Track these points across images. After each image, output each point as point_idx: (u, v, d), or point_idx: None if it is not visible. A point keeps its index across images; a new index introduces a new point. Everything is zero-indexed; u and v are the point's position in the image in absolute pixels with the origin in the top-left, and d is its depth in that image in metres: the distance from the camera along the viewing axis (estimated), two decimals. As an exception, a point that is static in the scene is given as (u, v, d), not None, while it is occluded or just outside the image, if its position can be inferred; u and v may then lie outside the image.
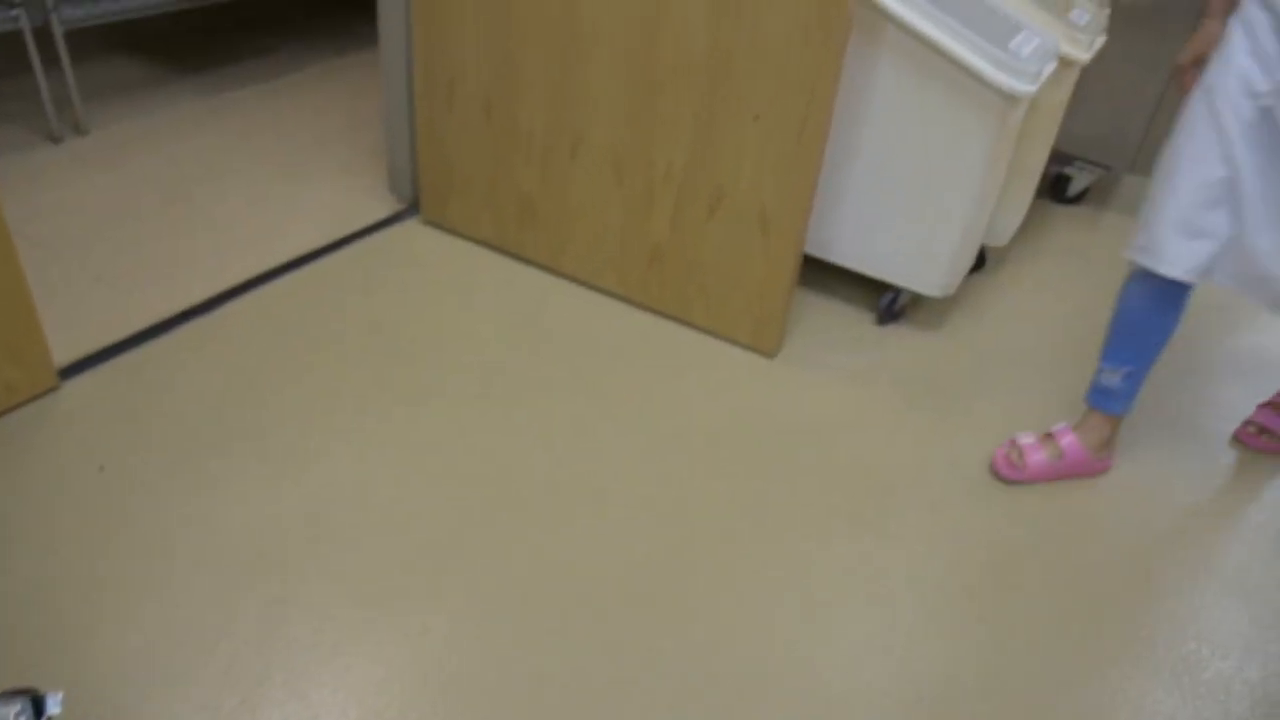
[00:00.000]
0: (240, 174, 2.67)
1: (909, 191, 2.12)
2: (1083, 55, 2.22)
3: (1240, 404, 2.17)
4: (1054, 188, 3.06)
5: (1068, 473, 1.90)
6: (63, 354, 1.89)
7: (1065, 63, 2.17)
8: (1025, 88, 1.93)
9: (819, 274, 2.41)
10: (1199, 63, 1.68)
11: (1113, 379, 1.84)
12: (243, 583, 1.50)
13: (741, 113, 1.92)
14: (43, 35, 2.61)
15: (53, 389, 1.83)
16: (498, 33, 2.12)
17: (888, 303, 2.32)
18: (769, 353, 2.16)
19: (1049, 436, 1.91)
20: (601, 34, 1.99)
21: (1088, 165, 3.01)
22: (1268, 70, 1.53)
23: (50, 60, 2.64)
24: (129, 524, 1.57)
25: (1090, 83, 2.41)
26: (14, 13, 2.51)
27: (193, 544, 1.55)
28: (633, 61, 1.99)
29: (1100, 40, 2.34)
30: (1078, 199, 3.09)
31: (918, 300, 2.38)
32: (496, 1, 2.08)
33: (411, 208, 2.57)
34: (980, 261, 2.56)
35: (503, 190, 2.33)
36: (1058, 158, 2.92)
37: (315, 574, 1.53)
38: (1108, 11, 2.41)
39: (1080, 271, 2.71)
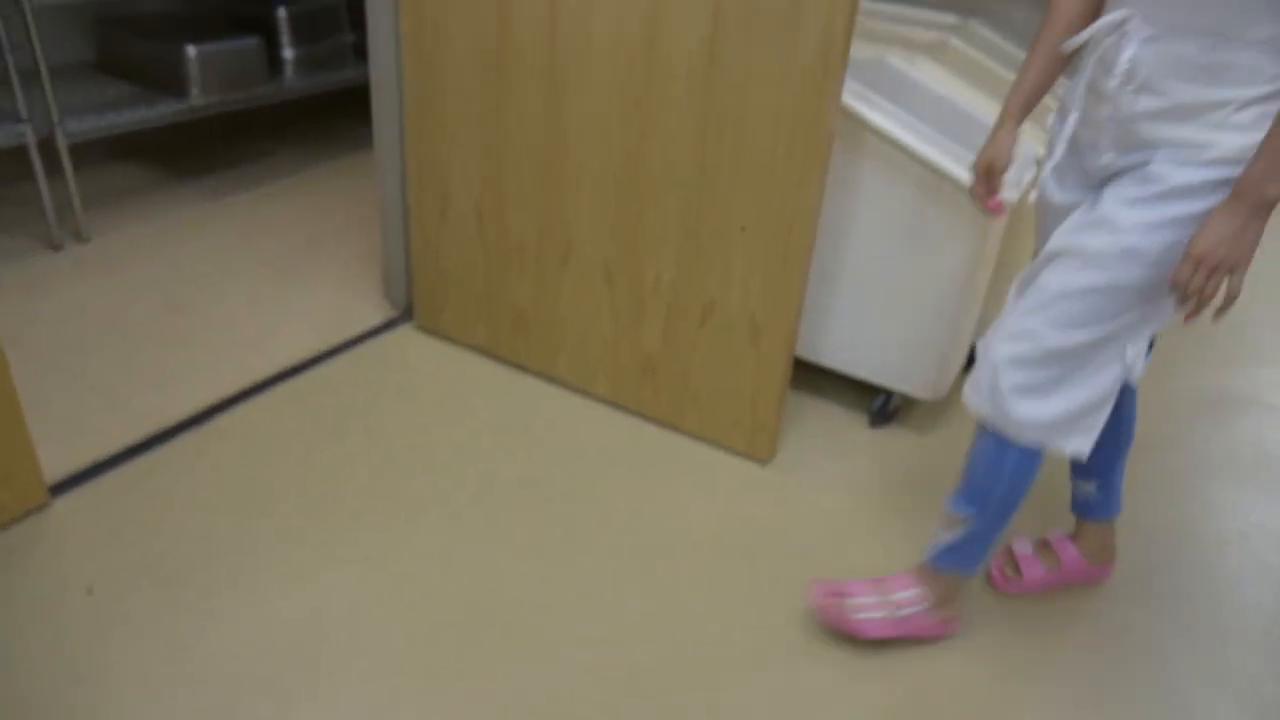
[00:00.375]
0: (239, 277, 2.71)
1: (896, 295, 2.14)
2: (1063, 160, 2.26)
3: (1241, 502, 2.16)
4: (1043, 282, 3.09)
5: (1066, 581, 1.87)
6: (54, 469, 1.89)
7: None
8: (1005, 195, 1.96)
9: (811, 375, 2.41)
10: (991, 173, 1.55)
11: (1087, 487, 1.82)
12: (231, 706, 1.47)
13: (729, 224, 1.95)
14: (46, 145, 2.66)
15: (42, 506, 1.82)
16: (489, 147, 2.17)
17: (880, 405, 2.32)
18: (763, 459, 2.15)
19: (1045, 545, 1.89)
20: (588, 150, 2.04)
21: (1075, 259, 3.04)
22: (1060, 177, 1.52)
23: (53, 168, 2.69)
24: (115, 648, 1.54)
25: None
26: (21, 127, 2.58)
27: (180, 666, 1.52)
28: (619, 176, 2.03)
29: (1080, 145, 2.38)
30: (1067, 292, 3.11)
31: (910, 401, 2.38)
32: (486, 117, 2.14)
33: (406, 314, 2.59)
34: (972, 359, 2.57)
35: (496, 298, 2.35)
36: (1045, 253, 2.95)
37: (304, 696, 1.50)
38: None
39: (1072, 367, 2.71)
